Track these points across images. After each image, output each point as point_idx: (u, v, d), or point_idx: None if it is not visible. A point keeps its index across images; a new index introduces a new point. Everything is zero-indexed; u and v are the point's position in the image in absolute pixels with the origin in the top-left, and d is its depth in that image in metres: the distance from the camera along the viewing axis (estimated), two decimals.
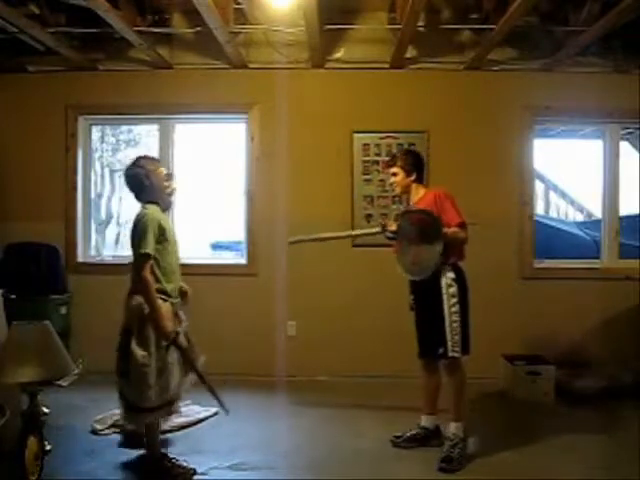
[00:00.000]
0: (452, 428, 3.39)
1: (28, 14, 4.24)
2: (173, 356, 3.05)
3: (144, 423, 3.09)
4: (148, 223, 3.03)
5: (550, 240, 5.71)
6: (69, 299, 5.11)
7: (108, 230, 6.11)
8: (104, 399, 4.03)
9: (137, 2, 4.61)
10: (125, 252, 5.93)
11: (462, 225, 3.40)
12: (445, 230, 3.31)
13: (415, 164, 3.64)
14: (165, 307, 3.04)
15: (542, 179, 7.07)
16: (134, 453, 3.34)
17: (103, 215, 6.06)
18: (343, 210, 5.16)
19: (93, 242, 5.56)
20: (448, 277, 3.39)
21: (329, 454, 3.49)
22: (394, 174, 3.65)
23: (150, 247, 2.99)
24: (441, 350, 3.37)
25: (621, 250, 5.28)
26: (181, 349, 3.08)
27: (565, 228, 6.49)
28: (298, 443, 3.64)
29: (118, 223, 6.28)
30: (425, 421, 3.63)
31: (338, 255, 5.16)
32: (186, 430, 3.71)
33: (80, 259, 5.32)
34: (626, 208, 5.44)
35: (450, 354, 3.35)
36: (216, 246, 6.56)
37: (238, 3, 4.56)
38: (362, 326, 5.10)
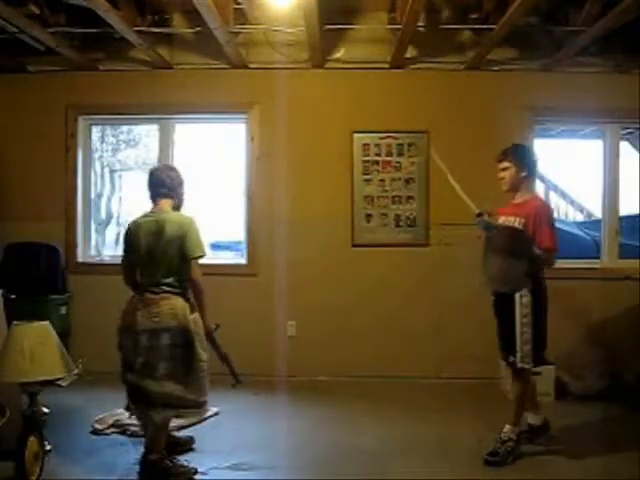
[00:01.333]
0: (506, 428, 3.42)
1: (28, 14, 4.23)
2: None
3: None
4: (198, 227, 3.21)
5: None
6: (69, 299, 5.11)
7: (108, 230, 6.11)
8: (104, 399, 4.04)
9: (137, 2, 4.61)
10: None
11: (551, 250, 3.34)
12: (535, 252, 3.27)
13: (528, 160, 3.51)
14: None
15: (542, 179, 7.05)
16: (134, 453, 3.34)
17: (103, 215, 6.06)
18: (343, 210, 5.16)
19: (93, 242, 5.56)
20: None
21: (329, 454, 3.49)
22: (504, 169, 3.49)
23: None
24: (511, 359, 3.39)
25: (621, 250, 5.28)
26: (215, 342, 3.26)
27: (565, 228, 6.48)
28: (298, 443, 3.64)
29: (118, 223, 6.27)
30: (530, 419, 3.60)
31: (338, 255, 5.17)
32: (186, 430, 3.70)
33: (80, 259, 5.32)
34: (626, 208, 5.43)
35: (519, 365, 3.35)
36: (216, 246, 6.55)
37: (238, 3, 4.56)
38: (362, 326, 5.10)
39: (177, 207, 3.34)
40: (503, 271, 3.35)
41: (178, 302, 3.10)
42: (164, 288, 3.10)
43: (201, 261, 3.27)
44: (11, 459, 2.80)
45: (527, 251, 3.27)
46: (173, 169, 3.44)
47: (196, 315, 3.15)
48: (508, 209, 3.52)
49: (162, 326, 3.02)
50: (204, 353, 3.13)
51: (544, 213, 3.40)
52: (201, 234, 3.22)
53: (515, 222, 3.40)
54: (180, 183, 3.36)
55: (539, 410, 3.64)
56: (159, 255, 3.11)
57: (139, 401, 3.09)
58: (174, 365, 3.03)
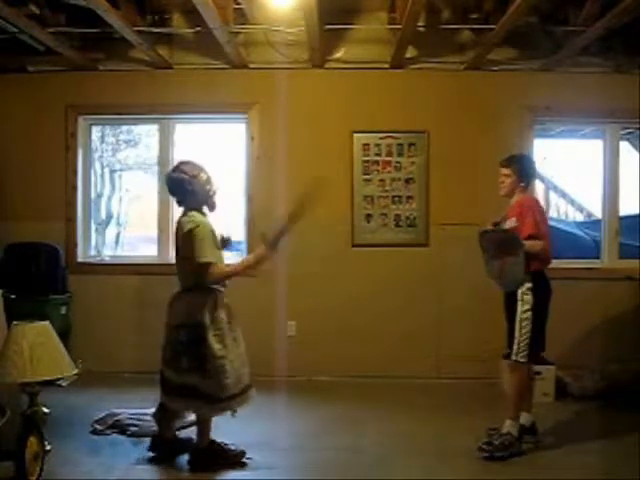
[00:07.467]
0: (506, 424, 3.47)
1: (28, 14, 4.23)
2: (242, 347, 3.30)
3: (222, 412, 3.22)
4: (204, 231, 3.16)
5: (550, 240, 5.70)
6: (69, 299, 5.10)
7: (108, 230, 6.11)
8: (104, 399, 4.05)
9: (137, 2, 4.61)
10: (124, 252, 6.00)
11: (531, 237, 3.41)
12: (523, 242, 3.37)
13: (529, 172, 3.69)
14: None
15: (542, 179, 7.06)
16: (134, 453, 3.34)
17: (103, 215, 6.06)
18: (343, 210, 5.16)
19: (93, 242, 5.55)
20: (525, 286, 3.43)
21: (329, 454, 3.48)
22: (506, 175, 3.64)
23: (212, 254, 3.15)
24: (507, 351, 3.53)
25: (621, 250, 5.28)
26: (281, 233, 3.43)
27: (565, 228, 6.48)
28: (298, 443, 3.64)
29: (118, 223, 6.28)
30: (521, 418, 3.57)
31: (338, 255, 5.17)
32: (186, 430, 3.70)
33: (80, 259, 5.31)
34: (626, 208, 5.43)
35: (513, 358, 3.48)
36: None
37: (238, 3, 4.56)
38: (362, 326, 5.09)
39: (192, 209, 3.28)
40: (504, 272, 3.49)
41: (191, 299, 3.18)
42: (181, 286, 3.27)
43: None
44: (11, 459, 2.80)
45: (517, 246, 3.37)
46: (169, 173, 3.37)
47: (219, 312, 3.20)
48: (508, 212, 3.66)
49: (176, 322, 3.18)
50: (218, 349, 3.12)
51: (529, 205, 3.53)
52: (206, 239, 3.16)
53: (512, 222, 3.54)
54: (177, 185, 3.28)
55: (531, 412, 3.62)
56: (177, 254, 3.28)
57: (162, 388, 3.23)
58: (191, 359, 3.11)
